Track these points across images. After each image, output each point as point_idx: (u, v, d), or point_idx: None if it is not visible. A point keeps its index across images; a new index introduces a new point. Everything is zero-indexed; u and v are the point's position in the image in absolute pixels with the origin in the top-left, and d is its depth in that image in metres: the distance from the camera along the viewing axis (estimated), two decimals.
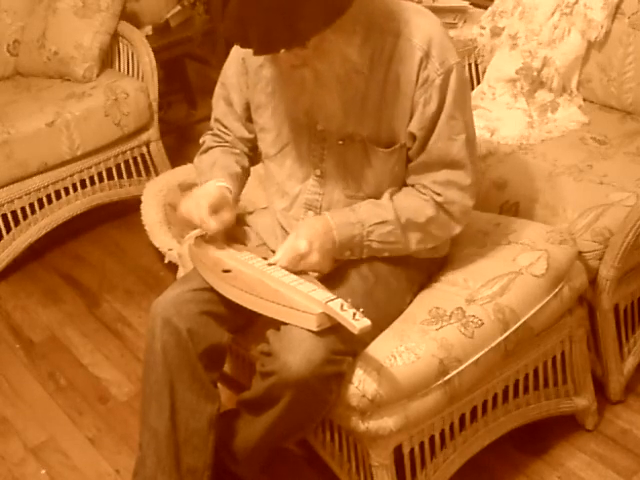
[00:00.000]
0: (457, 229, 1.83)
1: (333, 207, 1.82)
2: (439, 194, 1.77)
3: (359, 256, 1.78)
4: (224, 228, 1.81)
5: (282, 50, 1.55)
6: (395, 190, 1.80)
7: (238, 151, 1.97)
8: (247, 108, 1.91)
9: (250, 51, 1.76)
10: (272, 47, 1.57)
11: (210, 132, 2.01)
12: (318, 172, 1.82)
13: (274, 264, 1.73)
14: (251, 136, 1.94)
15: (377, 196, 1.81)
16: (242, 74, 1.87)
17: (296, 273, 1.70)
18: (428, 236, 1.81)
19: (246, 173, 1.98)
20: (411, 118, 1.74)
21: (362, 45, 1.67)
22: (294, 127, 1.81)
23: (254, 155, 1.99)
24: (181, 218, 1.83)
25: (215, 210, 1.78)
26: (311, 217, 1.81)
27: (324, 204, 1.83)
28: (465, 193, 1.79)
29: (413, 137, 1.76)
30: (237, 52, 1.88)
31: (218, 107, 1.97)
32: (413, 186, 1.80)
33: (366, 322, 1.53)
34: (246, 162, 1.98)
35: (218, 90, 1.96)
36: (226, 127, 1.96)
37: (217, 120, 1.98)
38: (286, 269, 1.71)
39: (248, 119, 1.92)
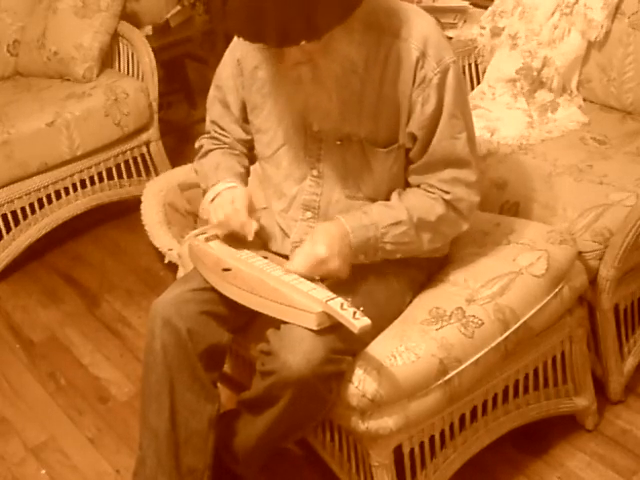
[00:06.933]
0: (464, 226, 1.83)
1: (332, 207, 1.82)
2: (447, 192, 1.77)
3: (372, 259, 1.76)
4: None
5: (302, 42, 1.53)
6: (401, 191, 1.80)
7: (238, 152, 1.96)
8: (244, 109, 1.90)
9: (246, 52, 1.77)
10: (291, 40, 1.54)
11: (207, 135, 2.00)
12: (315, 172, 1.82)
13: (292, 271, 1.69)
14: (249, 137, 1.94)
15: (376, 196, 1.80)
16: (238, 75, 1.87)
17: (312, 280, 1.66)
18: (438, 235, 1.80)
19: (248, 173, 1.98)
20: (409, 118, 1.74)
21: (359, 44, 1.67)
22: (290, 128, 1.81)
23: (253, 155, 1.99)
24: (218, 224, 1.82)
25: (249, 212, 1.79)
26: (325, 222, 1.76)
27: (322, 204, 1.83)
28: (471, 190, 1.79)
29: (413, 137, 1.76)
30: (232, 53, 1.88)
31: (214, 109, 1.96)
32: (419, 186, 1.80)
33: (366, 321, 1.53)
34: (247, 162, 1.97)
35: (213, 92, 1.95)
36: (223, 129, 1.96)
37: (214, 122, 1.97)
38: (303, 276, 1.67)
39: (245, 120, 1.92)
